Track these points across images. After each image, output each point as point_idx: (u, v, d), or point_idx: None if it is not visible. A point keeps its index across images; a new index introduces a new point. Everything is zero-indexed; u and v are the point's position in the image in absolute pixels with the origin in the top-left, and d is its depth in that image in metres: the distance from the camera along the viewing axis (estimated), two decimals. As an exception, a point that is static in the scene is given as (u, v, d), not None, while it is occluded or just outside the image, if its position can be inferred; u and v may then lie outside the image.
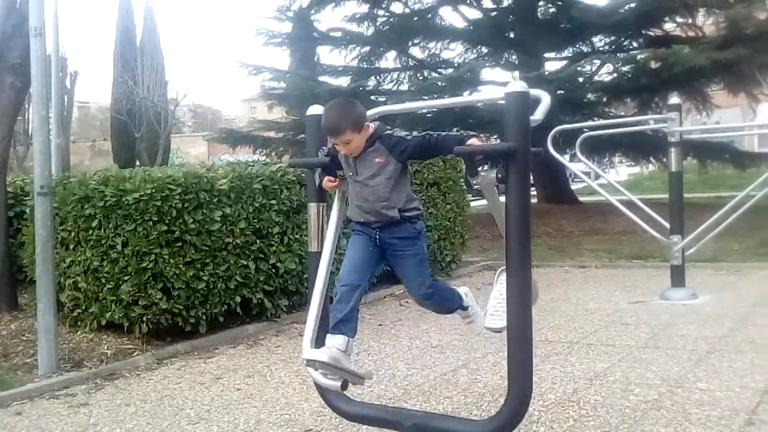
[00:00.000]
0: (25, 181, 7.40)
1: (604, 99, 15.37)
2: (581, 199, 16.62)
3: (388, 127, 3.04)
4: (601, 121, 11.82)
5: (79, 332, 5.64)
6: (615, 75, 14.26)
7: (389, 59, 17.36)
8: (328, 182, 3.18)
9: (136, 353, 5.27)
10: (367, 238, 3.11)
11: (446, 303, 3.31)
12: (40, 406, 4.31)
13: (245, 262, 5.82)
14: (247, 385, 4.52)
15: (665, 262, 7.33)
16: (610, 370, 4.41)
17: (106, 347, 5.34)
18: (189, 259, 5.42)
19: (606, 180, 8.55)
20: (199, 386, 4.56)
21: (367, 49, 16.85)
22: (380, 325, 6.07)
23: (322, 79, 15.92)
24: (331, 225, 3.24)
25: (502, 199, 2.92)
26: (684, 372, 4.29)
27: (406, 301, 6.74)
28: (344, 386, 2.96)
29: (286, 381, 4.56)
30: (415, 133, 3.01)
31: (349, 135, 2.92)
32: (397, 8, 16.90)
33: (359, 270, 3.05)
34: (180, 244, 5.39)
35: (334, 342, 2.90)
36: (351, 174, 3.06)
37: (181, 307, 5.40)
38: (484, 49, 16.73)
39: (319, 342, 2.98)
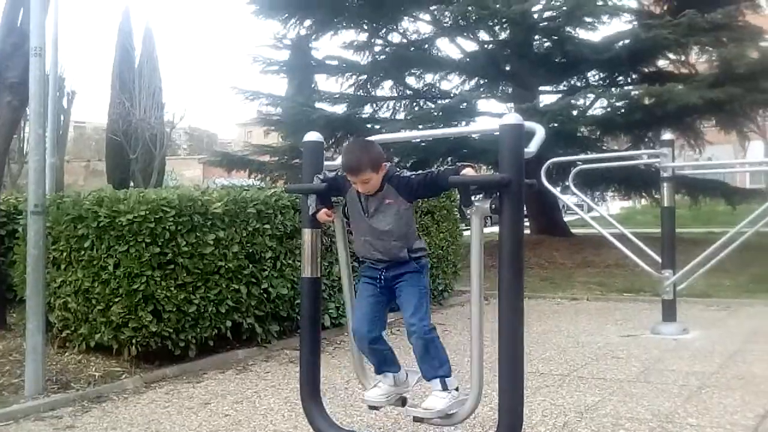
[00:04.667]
0: (18, 199, 7.35)
1: (598, 133, 15.51)
2: (574, 231, 16.67)
3: (398, 169, 3.14)
4: (595, 155, 11.93)
5: (67, 353, 5.58)
6: (608, 109, 14.41)
7: (385, 88, 17.49)
8: (323, 215, 3.22)
9: (124, 376, 5.22)
10: (373, 286, 3.21)
11: (440, 354, 3.12)
12: (26, 428, 4.25)
13: (237, 287, 5.80)
14: (236, 411, 4.48)
15: (656, 296, 7.35)
16: (601, 403, 4.40)
17: (94, 369, 5.28)
18: (180, 282, 5.40)
19: (598, 213, 8.59)
20: (187, 411, 4.51)
21: (363, 77, 16.99)
22: (371, 353, 6.04)
23: (318, 105, 16.01)
24: (341, 261, 3.40)
25: (489, 230, 2.98)
26: (674, 407, 4.28)
27: (398, 330, 6.70)
28: (403, 403, 3.32)
29: (275, 408, 4.52)
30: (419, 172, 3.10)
31: (368, 174, 2.99)
32: (394, 38, 17.08)
33: (369, 321, 3.19)
34: (172, 266, 5.37)
35: (385, 381, 3.26)
36: (360, 212, 3.11)
37: (171, 330, 5.37)
38: (480, 81, 16.88)
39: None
